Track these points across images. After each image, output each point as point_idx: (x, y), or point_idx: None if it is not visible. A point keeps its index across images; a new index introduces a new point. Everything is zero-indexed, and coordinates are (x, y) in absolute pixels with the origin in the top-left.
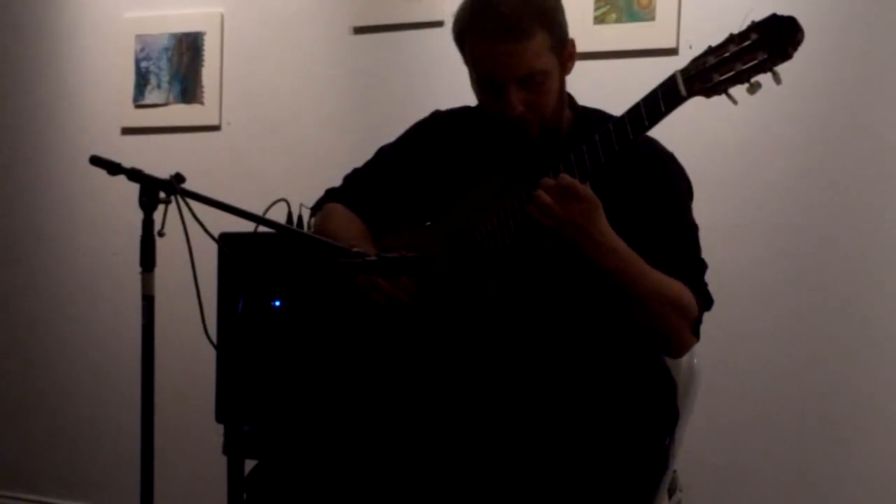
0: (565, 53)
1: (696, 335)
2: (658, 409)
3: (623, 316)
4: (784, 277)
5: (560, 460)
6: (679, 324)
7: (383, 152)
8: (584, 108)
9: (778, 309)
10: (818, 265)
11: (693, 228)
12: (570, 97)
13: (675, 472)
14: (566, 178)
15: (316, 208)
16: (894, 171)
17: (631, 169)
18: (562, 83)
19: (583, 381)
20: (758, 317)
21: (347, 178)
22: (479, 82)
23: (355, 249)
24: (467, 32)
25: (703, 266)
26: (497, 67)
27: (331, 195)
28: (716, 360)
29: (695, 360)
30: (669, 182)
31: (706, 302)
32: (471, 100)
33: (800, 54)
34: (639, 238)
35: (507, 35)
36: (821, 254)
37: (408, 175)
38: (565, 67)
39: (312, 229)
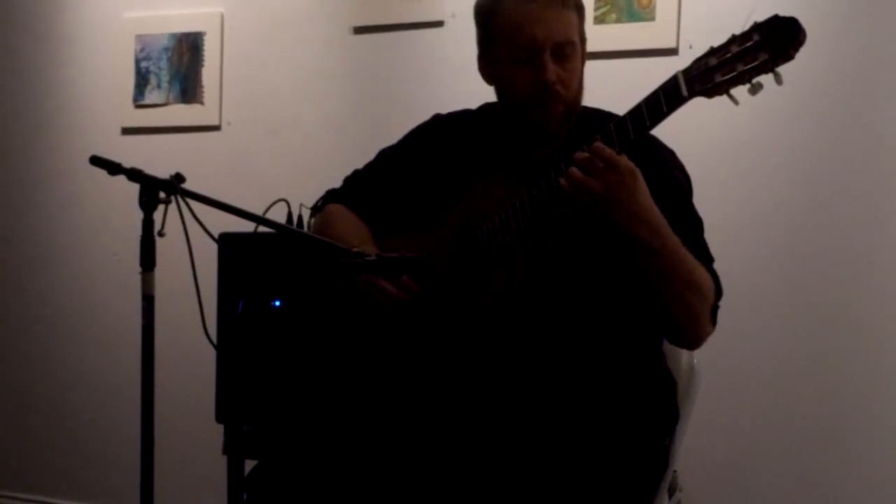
0: (584, 48)
1: (714, 323)
2: (658, 409)
3: (647, 303)
4: (784, 277)
5: (560, 460)
6: (702, 310)
7: (384, 154)
8: (585, 108)
9: (778, 309)
10: (818, 265)
11: (699, 220)
12: None
13: (675, 472)
14: (602, 147)
15: (315, 209)
16: (894, 171)
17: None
18: (582, 76)
19: (583, 380)
20: (758, 317)
21: (348, 180)
22: (509, 54)
23: (355, 249)
24: (504, 1)
25: (711, 256)
26: (540, 29)
27: (331, 196)
28: (716, 360)
29: (695, 360)
30: (673, 176)
31: (718, 290)
32: (470, 101)
33: (801, 54)
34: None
35: (551, 1)
36: (821, 254)
37: (408, 177)
38: (583, 62)
39: (312, 230)
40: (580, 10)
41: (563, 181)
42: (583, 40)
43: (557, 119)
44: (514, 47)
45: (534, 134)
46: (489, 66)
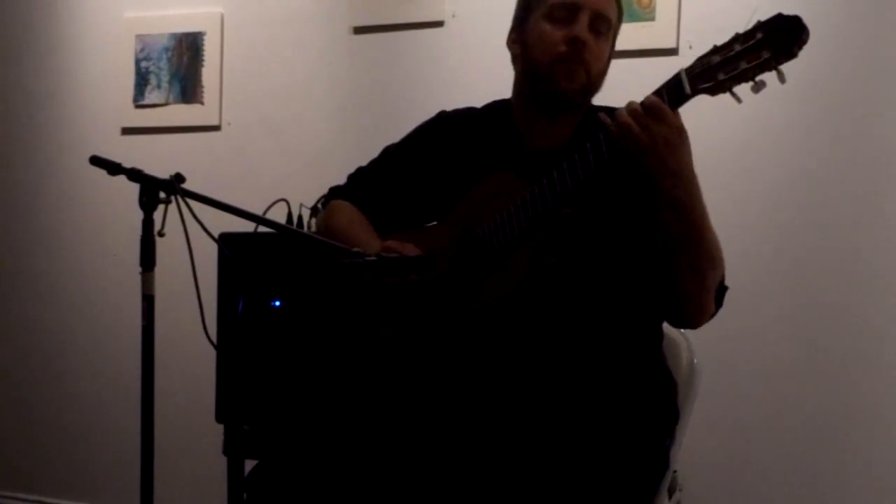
0: (614, 44)
1: (719, 304)
2: (658, 409)
3: (657, 274)
4: (784, 277)
5: (561, 460)
6: (713, 282)
7: (388, 152)
8: (592, 106)
9: (778, 309)
10: (818, 265)
11: None
12: None
13: (675, 472)
14: (653, 99)
15: (316, 208)
16: (893, 171)
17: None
18: (607, 66)
19: (583, 381)
20: (758, 317)
21: (352, 177)
22: (549, 11)
23: (355, 249)
24: None
25: None
26: None
27: (335, 193)
28: (716, 360)
29: (695, 360)
30: None
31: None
32: (470, 101)
33: (802, 54)
34: (650, 225)
35: None
36: (821, 253)
37: (413, 175)
38: (612, 54)
39: (316, 227)
40: (621, 9)
41: (611, 125)
42: (616, 35)
43: (577, 86)
44: (554, 3)
45: (550, 101)
46: (521, 34)
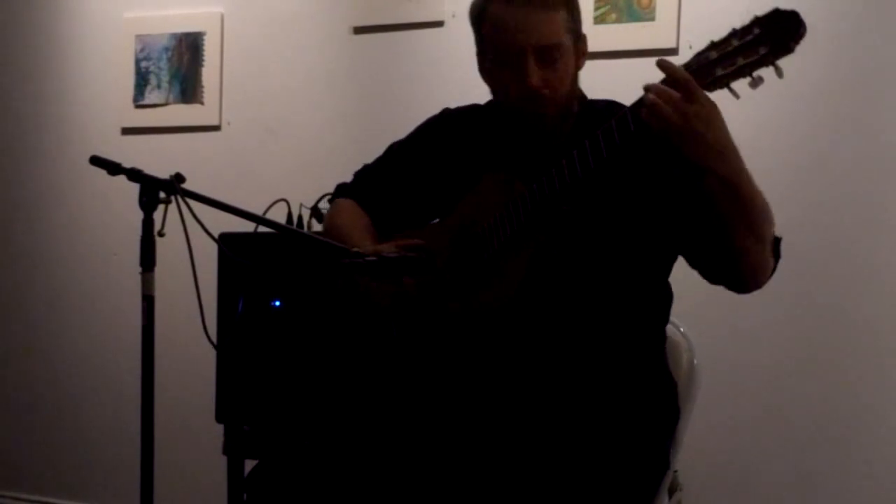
0: (581, 45)
1: (777, 257)
2: (658, 409)
3: (707, 248)
4: (784, 277)
5: (561, 460)
6: (770, 237)
7: (393, 149)
8: (593, 102)
9: (778, 308)
10: (818, 265)
11: None
12: (582, 94)
13: (675, 472)
14: (685, 78)
15: (316, 208)
16: (893, 170)
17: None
18: (576, 73)
19: (584, 381)
20: (758, 316)
21: (358, 174)
22: (496, 58)
23: (354, 249)
24: (491, 2)
25: None
26: (519, 33)
27: (341, 191)
28: (716, 360)
29: (695, 360)
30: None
31: None
32: (470, 101)
33: (799, 52)
34: (669, 212)
35: (532, 2)
36: (821, 253)
37: (418, 172)
38: (579, 59)
39: (323, 225)
40: (569, 5)
41: (642, 110)
42: (578, 36)
43: (551, 119)
44: (499, 51)
45: (530, 133)
46: (484, 66)
